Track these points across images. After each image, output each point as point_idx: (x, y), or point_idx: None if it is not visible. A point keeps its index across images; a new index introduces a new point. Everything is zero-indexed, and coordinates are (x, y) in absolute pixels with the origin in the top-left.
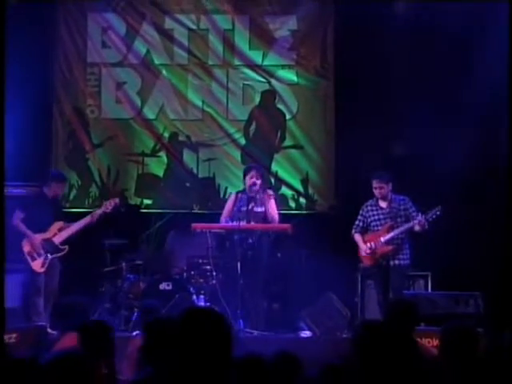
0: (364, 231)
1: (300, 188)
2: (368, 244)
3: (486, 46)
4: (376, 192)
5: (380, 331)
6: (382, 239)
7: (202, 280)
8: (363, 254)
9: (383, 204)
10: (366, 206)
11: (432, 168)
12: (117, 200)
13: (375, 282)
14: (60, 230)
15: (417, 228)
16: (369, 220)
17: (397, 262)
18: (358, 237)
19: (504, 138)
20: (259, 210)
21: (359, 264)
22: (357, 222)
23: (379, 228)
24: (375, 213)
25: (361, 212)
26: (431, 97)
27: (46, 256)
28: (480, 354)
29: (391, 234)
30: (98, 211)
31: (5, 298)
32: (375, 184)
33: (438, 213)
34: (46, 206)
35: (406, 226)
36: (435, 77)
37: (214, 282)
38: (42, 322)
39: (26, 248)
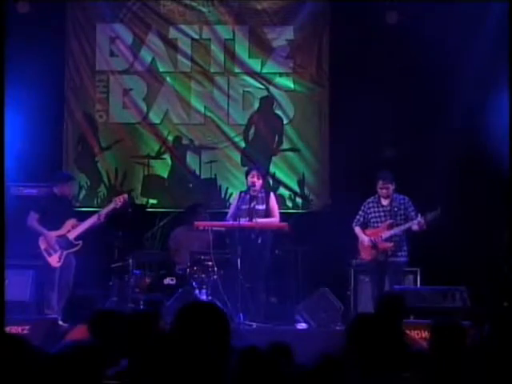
0: (364, 226)
1: (296, 188)
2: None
3: (478, 47)
4: (382, 192)
5: (372, 323)
6: (383, 236)
7: (204, 275)
8: (365, 244)
9: (385, 202)
10: (368, 203)
11: (421, 169)
12: (126, 196)
13: (371, 276)
14: (73, 226)
15: (415, 228)
16: (369, 216)
17: (396, 259)
18: (358, 229)
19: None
20: (260, 207)
21: (352, 260)
22: (357, 217)
23: (379, 225)
24: (376, 210)
25: (362, 208)
26: (425, 101)
27: (62, 251)
28: (467, 346)
29: (391, 232)
30: (108, 207)
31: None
32: (381, 184)
33: (437, 215)
34: (58, 205)
35: (407, 225)
36: (429, 81)
37: (215, 277)
38: (54, 315)
39: (43, 245)
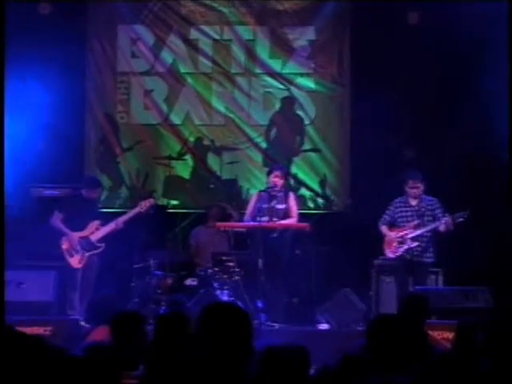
0: (390, 226)
1: (318, 189)
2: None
3: (499, 46)
4: (412, 191)
5: (392, 324)
6: (409, 235)
7: (225, 276)
8: (392, 238)
9: (413, 202)
10: (396, 203)
11: (444, 169)
12: (152, 200)
13: (396, 276)
14: (97, 228)
15: (442, 228)
16: (396, 216)
17: (422, 259)
18: (384, 228)
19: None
20: (280, 206)
21: (374, 260)
22: (384, 216)
23: (406, 224)
24: (403, 209)
25: (389, 207)
26: (447, 101)
27: (83, 253)
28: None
29: (418, 232)
30: (134, 211)
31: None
32: (411, 184)
33: (465, 216)
34: (83, 206)
35: (433, 225)
36: (451, 81)
37: (236, 277)
38: (77, 315)
39: (65, 245)
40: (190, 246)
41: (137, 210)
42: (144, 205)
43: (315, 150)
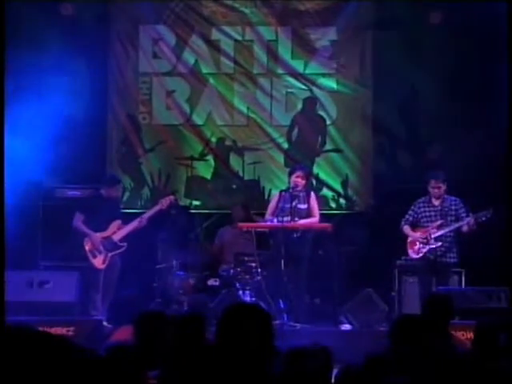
0: (413, 226)
1: (340, 189)
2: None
3: None
4: (434, 191)
5: (416, 324)
6: (433, 235)
7: (247, 276)
8: (416, 238)
9: (436, 202)
10: (419, 203)
11: (469, 168)
12: (172, 197)
13: (419, 276)
14: (119, 228)
15: (465, 228)
16: (419, 216)
17: (446, 260)
18: (407, 228)
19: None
20: (302, 206)
21: (397, 261)
22: (407, 216)
23: (429, 224)
24: (427, 209)
25: (412, 207)
26: (470, 101)
27: (106, 253)
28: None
29: (441, 232)
30: (154, 209)
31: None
32: (433, 183)
33: (488, 215)
34: (104, 206)
35: (456, 224)
36: (474, 80)
37: (259, 278)
38: (100, 316)
39: (88, 246)
40: (214, 246)
41: (157, 207)
42: (164, 202)
43: (337, 150)
